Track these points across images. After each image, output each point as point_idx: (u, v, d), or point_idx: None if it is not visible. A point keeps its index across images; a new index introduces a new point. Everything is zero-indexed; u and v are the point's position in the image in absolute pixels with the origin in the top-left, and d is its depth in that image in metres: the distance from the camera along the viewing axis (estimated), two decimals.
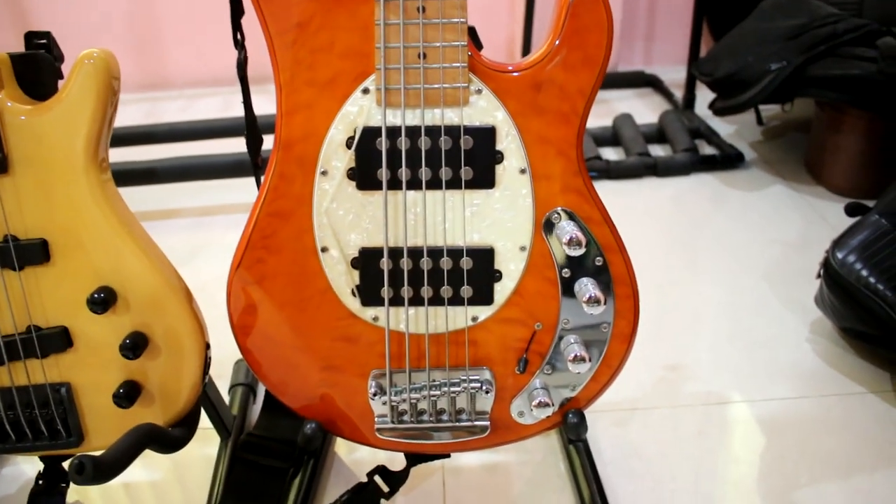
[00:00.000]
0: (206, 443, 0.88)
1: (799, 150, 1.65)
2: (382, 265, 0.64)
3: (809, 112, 1.60)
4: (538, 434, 0.72)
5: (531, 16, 1.86)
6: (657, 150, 1.67)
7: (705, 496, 0.84)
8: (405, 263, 0.64)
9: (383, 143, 0.61)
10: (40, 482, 0.77)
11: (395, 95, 0.60)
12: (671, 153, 1.63)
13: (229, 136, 1.63)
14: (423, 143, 0.61)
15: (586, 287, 0.64)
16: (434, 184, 0.62)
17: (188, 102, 2.09)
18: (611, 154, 1.67)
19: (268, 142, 0.68)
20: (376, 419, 0.69)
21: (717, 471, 0.87)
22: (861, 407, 0.96)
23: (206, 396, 0.81)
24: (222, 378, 0.97)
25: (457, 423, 0.69)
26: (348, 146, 0.62)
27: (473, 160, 0.62)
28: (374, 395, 0.67)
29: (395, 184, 0.62)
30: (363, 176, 0.62)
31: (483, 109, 0.61)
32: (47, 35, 0.65)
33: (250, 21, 0.64)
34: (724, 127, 1.78)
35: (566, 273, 0.65)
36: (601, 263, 0.65)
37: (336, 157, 0.62)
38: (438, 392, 0.68)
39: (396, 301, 0.65)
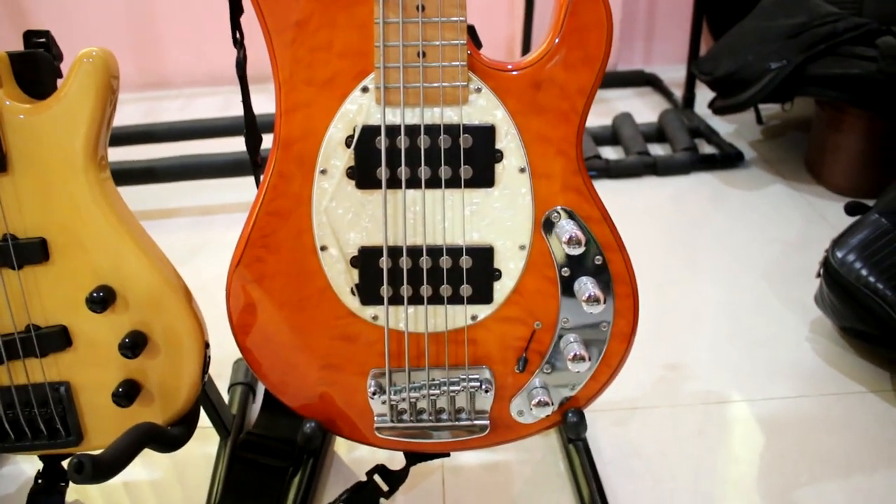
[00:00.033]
0: (205, 442, 0.88)
1: (799, 149, 1.65)
2: (382, 264, 0.64)
3: (809, 111, 1.60)
4: (538, 433, 0.72)
5: (531, 14, 1.86)
6: (657, 150, 1.67)
7: (705, 495, 0.84)
8: (404, 262, 0.64)
9: (382, 142, 0.61)
10: (39, 481, 0.77)
11: (394, 94, 0.60)
12: (671, 152, 1.62)
13: (228, 136, 1.62)
14: (423, 141, 0.61)
15: (586, 286, 0.64)
16: (433, 182, 0.62)
17: (187, 101, 2.09)
18: (610, 153, 1.67)
19: (267, 141, 0.68)
20: (376, 418, 0.69)
21: (716, 470, 0.87)
22: (861, 406, 0.96)
23: (206, 395, 0.81)
24: (222, 377, 0.97)
25: (456, 422, 0.69)
26: (347, 145, 0.62)
27: (473, 159, 0.62)
28: (374, 394, 0.67)
29: (394, 182, 0.62)
30: (362, 175, 0.62)
31: (482, 108, 0.61)
32: (46, 34, 0.65)
33: (249, 20, 0.64)
34: (723, 126, 1.78)
35: (566, 272, 0.65)
36: (601, 262, 0.65)
37: (335, 155, 0.62)
38: (438, 391, 0.67)
39: (396, 300, 0.65)
